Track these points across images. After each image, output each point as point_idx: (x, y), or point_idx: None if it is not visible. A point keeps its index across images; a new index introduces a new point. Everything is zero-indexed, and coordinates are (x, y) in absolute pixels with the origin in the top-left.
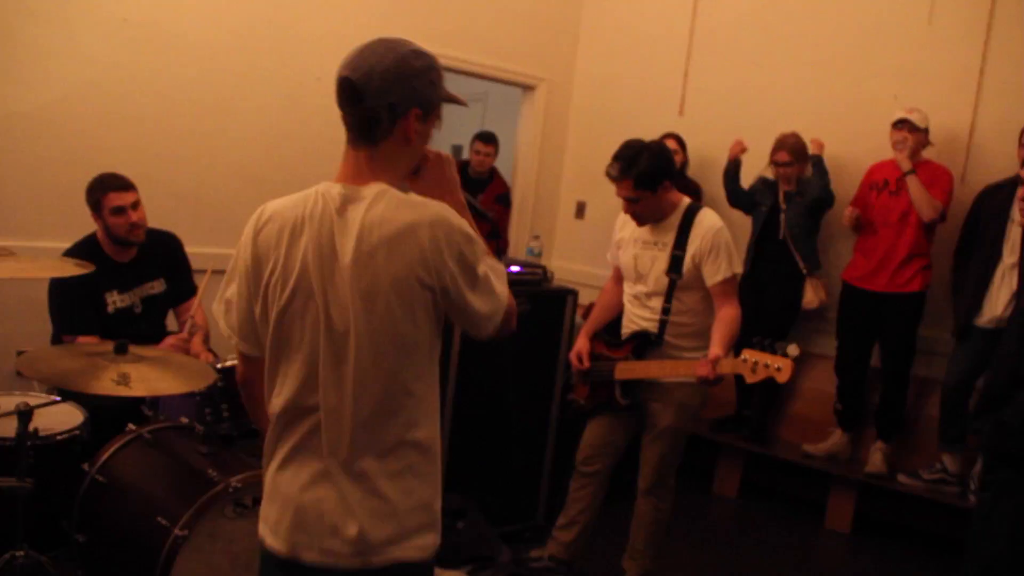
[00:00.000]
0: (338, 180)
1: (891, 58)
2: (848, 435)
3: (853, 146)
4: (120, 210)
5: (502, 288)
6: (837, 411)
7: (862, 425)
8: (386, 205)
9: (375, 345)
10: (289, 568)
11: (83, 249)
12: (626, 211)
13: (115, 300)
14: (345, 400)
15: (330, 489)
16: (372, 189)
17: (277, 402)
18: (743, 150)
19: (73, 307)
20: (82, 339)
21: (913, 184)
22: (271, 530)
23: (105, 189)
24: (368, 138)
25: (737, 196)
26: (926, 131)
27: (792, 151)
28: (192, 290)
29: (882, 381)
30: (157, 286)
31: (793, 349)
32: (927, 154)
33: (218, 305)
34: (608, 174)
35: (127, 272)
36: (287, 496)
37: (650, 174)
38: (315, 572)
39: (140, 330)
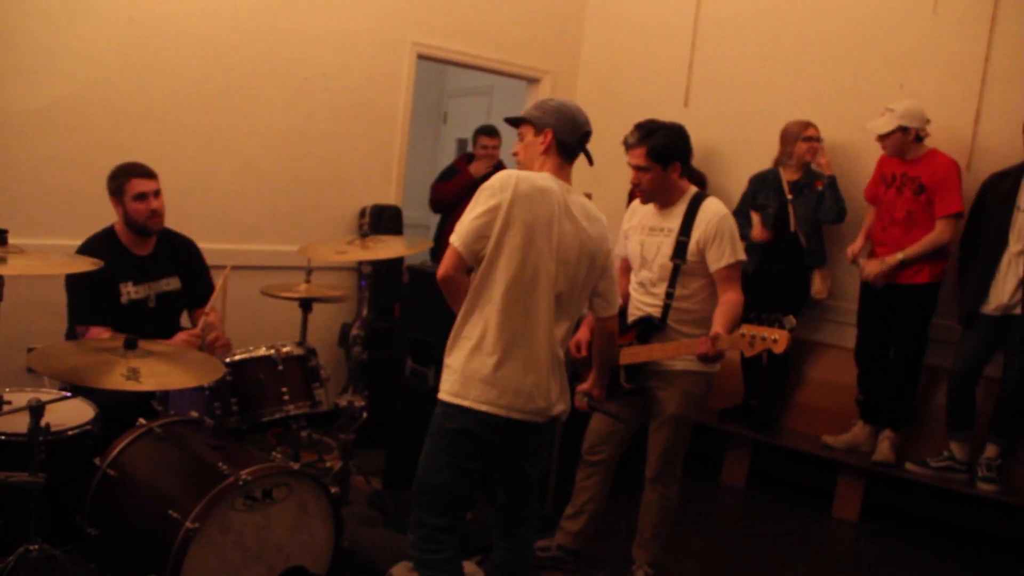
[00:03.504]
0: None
1: (896, 47)
2: (870, 427)
3: (858, 135)
4: (142, 196)
5: None
6: (859, 402)
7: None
8: (587, 201)
9: (572, 275)
10: (507, 426)
11: (100, 241)
12: (633, 181)
13: (129, 291)
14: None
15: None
16: (577, 191)
17: (499, 288)
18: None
19: (87, 295)
20: (95, 330)
21: (914, 252)
22: (493, 402)
23: (129, 175)
24: (572, 161)
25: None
26: (905, 129)
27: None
28: (208, 295)
29: (893, 370)
30: (172, 283)
31: (789, 320)
32: (931, 143)
33: (458, 227)
34: (626, 141)
35: (143, 265)
36: (507, 379)
37: (664, 148)
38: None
39: (153, 324)
